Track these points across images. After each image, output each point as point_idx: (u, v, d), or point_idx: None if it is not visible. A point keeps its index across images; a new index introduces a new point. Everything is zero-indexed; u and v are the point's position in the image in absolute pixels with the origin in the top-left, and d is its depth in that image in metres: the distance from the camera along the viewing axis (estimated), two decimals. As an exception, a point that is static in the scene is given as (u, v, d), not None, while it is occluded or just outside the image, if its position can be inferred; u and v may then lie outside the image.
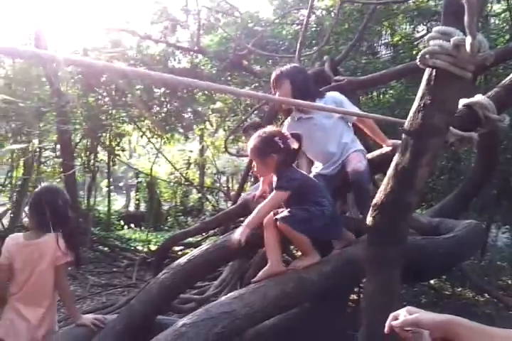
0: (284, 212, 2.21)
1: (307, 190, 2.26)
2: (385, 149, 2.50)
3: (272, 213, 2.26)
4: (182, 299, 3.96)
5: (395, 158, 1.75)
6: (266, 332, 2.22)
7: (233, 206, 3.00)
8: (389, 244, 1.74)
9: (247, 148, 2.36)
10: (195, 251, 2.47)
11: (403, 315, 1.16)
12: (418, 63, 1.75)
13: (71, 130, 8.57)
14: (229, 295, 2.04)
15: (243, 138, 10.13)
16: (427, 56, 1.69)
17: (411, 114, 1.74)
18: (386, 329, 1.19)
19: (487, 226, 5.38)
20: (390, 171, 1.75)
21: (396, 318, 1.17)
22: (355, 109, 2.49)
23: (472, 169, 3.42)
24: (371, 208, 1.78)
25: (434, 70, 1.70)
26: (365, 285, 1.82)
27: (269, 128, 2.33)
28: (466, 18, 1.31)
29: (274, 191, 2.22)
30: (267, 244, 2.20)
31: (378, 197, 1.76)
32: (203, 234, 7.76)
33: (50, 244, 2.28)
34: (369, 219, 1.79)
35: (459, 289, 5.53)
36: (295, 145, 2.28)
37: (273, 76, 2.69)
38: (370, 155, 2.58)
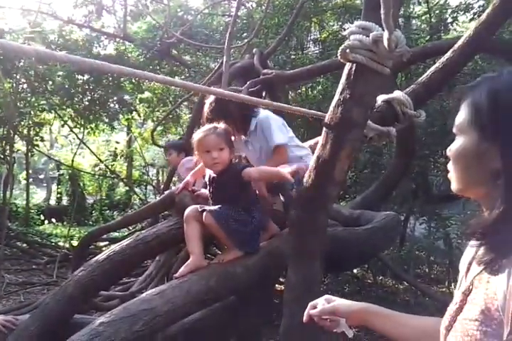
0: (214, 206, 2.18)
1: (246, 193, 2.26)
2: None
3: (194, 206, 2.21)
4: (105, 296, 3.82)
5: (317, 151, 1.77)
6: (190, 327, 2.18)
7: (157, 199, 2.92)
8: (309, 235, 1.77)
9: (203, 140, 2.24)
10: (115, 247, 2.37)
11: (321, 303, 1.18)
12: (339, 57, 1.77)
13: (-15, 117, 7.98)
14: (150, 291, 1.97)
15: (172, 129, 10.00)
16: (348, 50, 1.72)
17: (331, 108, 1.77)
18: (305, 318, 1.20)
19: (406, 218, 5.69)
20: (312, 164, 1.78)
21: (314, 307, 1.19)
22: (279, 135, 2.56)
23: (391, 163, 3.57)
24: (294, 200, 1.80)
25: (354, 65, 1.73)
26: (286, 277, 1.84)
27: (218, 124, 2.32)
28: (382, 13, 1.34)
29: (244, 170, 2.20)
30: (187, 238, 2.16)
31: (300, 189, 1.78)
32: (130, 228, 7.54)
33: None
34: (291, 211, 1.81)
35: (380, 278, 5.81)
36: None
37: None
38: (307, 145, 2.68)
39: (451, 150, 0.97)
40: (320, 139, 1.78)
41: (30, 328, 2.11)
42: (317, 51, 7.68)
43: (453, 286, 5.35)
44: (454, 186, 0.97)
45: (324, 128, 1.77)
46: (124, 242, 2.41)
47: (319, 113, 1.92)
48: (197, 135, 2.26)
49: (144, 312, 1.82)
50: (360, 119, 1.72)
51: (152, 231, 2.43)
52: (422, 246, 5.47)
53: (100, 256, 2.33)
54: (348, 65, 1.76)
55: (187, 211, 2.19)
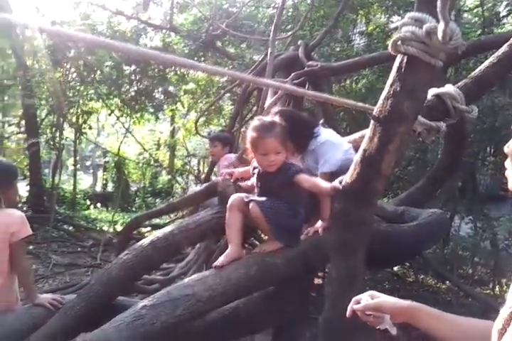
0: (262, 198, 2.19)
1: (295, 190, 2.23)
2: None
3: (239, 195, 2.23)
4: (147, 280, 3.93)
5: (363, 144, 1.75)
6: (229, 315, 2.21)
7: (200, 188, 2.96)
8: (352, 229, 1.75)
9: (261, 143, 2.16)
10: (159, 233, 2.43)
11: (365, 299, 1.17)
12: (390, 49, 1.73)
13: (36, 105, 8.32)
14: (191, 277, 2.01)
15: (214, 120, 10.09)
16: (399, 42, 1.68)
17: (380, 100, 1.73)
18: (348, 313, 1.19)
19: (451, 217, 5.52)
20: (358, 157, 1.75)
21: (358, 302, 1.18)
22: (329, 164, 2.50)
23: (439, 160, 3.47)
24: (339, 193, 1.78)
25: (406, 57, 1.69)
26: (329, 270, 1.83)
27: (273, 119, 2.28)
28: (438, 4, 1.29)
29: (299, 175, 2.17)
30: (228, 227, 2.17)
31: (345, 182, 1.76)
32: (172, 215, 7.71)
33: (1, 220, 2.20)
34: (335, 205, 1.79)
35: (422, 277, 5.69)
36: None
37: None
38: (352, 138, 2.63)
39: (510, 146, 0.93)
40: (367, 132, 1.75)
41: (76, 307, 2.20)
42: (363, 44, 7.52)
43: (497, 289, 5.18)
44: None
45: (372, 121, 1.74)
46: (167, 229, 2.46)
47: (367, 106, 1.89)
48: (253, 132, 2.17)
49: (185, 297, 1.87)
50: (411, 113, 1.68)
51: (195, 219, 2.47)
52: (467, 246, 5.29)
53: (144, 241, 2.39)
54: (399, 57, 1.71)
55: (231, 199, 2.20)
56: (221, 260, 2.09)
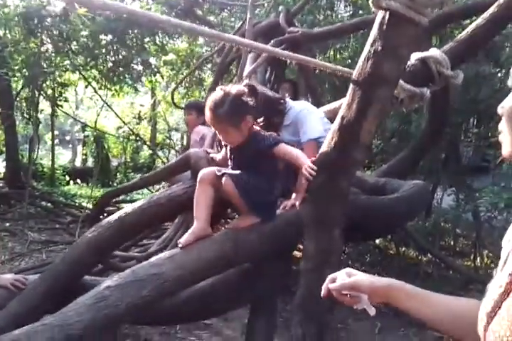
0: (235, 171, 2.04)
1: (271, 162, 2.08)
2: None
3: (211, 168, 2.08)
4: (122, 257, 3.81)
5: (341, 111, 1.61)
6: (202, 292, 2.10)
7: (174, 160, 2.80)
8: (329, 202, 1.63)
9: (208, 120, 2.05)
10: (128, 208, 2.28)
11: (341, 277, 1.06)
12: (371, 4, 1.57)
13: (10, 77, 7.96)
14: (160, 255, 1.89)
15: (195, 93, 9.81)
16: (381, -3, 1.52)
17: (360, 61, 1.59)
18: (323, 293, 1.08)
19: (433, 188, 5.47)
20: (335, 125, 1.61)
21: (334, 281, 1.07)
22: (312, 130, 2.35)
23: (422, 130, 3.35)
24: (315, 164, 1.65)
25: (388, 13, 1.53)
26: (304, 245, 1.72)
27: (230, 88, 2.04)
28: None
29: (278, 146, 2.00)
30: (197, 202, 2.02)
31: (322, 152, 1.63)
32: (153, 191, 7.55)
33: None
34: (311, 175, 1.66)
35: (403, 249, 5.67)
36: (253, 98, 2.06)
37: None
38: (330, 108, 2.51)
39: (504, 107, 0.80)
40: (346, 98, 1.61)
41: (38, 288, 2.07)
42: (347, 13, 7.27)
43: (478, 260, 5.19)
44: (507, 149, 0.80)
45: (351, 85, 1.59)
46: (137, 204, 2.32)
47: (347, 69, 1.74)
48: (206, 110, 2.03)
49: (152, 277, 1.75)
50: (392, 75, 1.54)
51: (166, 193, 2.33)
52: (449, 218, 5.26)
53: (111, 218, 2.25)
54: (380, 13, 1.56)
55: (202, 173, 2.05)
56: (185, 238, 1.94)
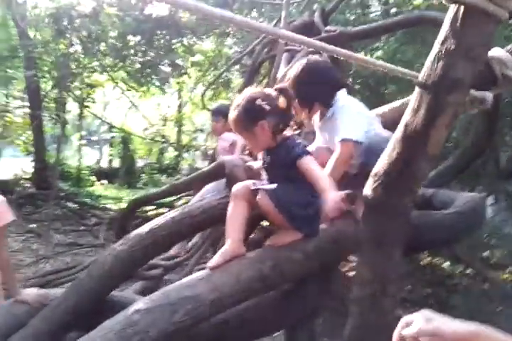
0: (271, 185, 1.85)
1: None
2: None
3: (245, 183, 1.90)
4: (148, 264, 3.67)
5: (405, 118, 1.40)
6: (239, 315, 1.92)
7: (207, 167, 2.64)
8: (390, 220, 1.43)
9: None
10: (159, 220, 2.12)
11: (418, 322, 0.89)
12: (442, -3, 1.37)
13: (39, 77, 7.99)
14: (193, 276, 1.71)
15: (222, 94, 9.69)
16: (455, -12, 1.32)
17: (428, 63, 1.38)
18: (395, 339, 0.92)
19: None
20: (398, 133, 1.41)
21: (408, 325, 0.90)
22: (348, 129, 2.12)
23: (472, 136, 3.09)
24: (371, 178, 1.45)
25: (462, 7, 1.32)
26: (357, 269, 1.52)
27: (246, 91, 1.92)
28: None
29: (302, 159, 1.83)
30: (229, 219, 1.83)
31: (381, 164, 1.42)
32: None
33: None
34: (368, 191, 1.46)
35: (436, 259, 5.39)
36: (283, 102, 1.89)
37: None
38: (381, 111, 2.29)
39: None
40: (410, 103, 1.41)
41: (62, 306, 1.93)
42: (380, 11, 7.01)
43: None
44: None
45: (417, 89, 1.39)
46: (169, 215, 2.15)
47: (408, 71, 1.53)
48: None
49: (186, 300, 1.57)
50: (467, 78, 1.33)
51: (199, 204, 2.16)
52: (485, 229, 4.94)
53: (142, 230, 2.09)
54: (453, 8, 1.35)
55: (236, 187, 1.87)
56: (216, 259, 1.75)
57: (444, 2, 1.39)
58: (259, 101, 1.85)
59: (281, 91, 1.92)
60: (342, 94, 2.27)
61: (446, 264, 5.29)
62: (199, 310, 1.57)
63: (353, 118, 2.15)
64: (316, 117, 2.36)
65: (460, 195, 2.28)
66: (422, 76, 1.38)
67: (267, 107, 1.85)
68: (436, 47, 1.37)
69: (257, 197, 1.79)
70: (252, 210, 1.87)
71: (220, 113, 4.23)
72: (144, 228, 2.11)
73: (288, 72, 2.48)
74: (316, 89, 2.24)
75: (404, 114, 1.40)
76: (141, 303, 1.58)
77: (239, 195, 1.85)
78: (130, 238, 2.06)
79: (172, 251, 3.81)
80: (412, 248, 2.00)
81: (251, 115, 1.86)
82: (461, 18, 1.33)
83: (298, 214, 1.84)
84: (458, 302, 3.63)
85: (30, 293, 2.08)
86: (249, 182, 1.90)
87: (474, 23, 1.32)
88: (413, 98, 1.40)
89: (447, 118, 1.33)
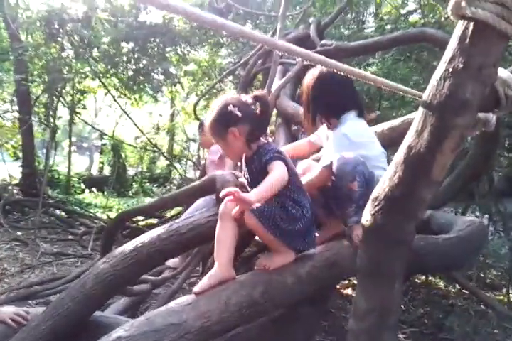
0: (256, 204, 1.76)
1: (290, 178, 1.79)
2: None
3: (232, 202, 1.82)
4: (134, 279, 3.54)
5: (407, 139, 1.33)
6: None
7: (198, 181, 2.54)
8: (390, 248, 1.34)
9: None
10: (144, 237, 2.02)
11: None
12: (449, 13, 1.30)
13: (29, 81, 7.87)
14: (180, 300, 1.60)
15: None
16: (464, 3, 1.25)
17: (434, 82, 1.31)
18: None
19: (462, 215, 5.11)
20: (399, 156, 1.33)
21: None
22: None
23: (469, 156, 3.04)
24: (370, 203, 1.37)
25: (472, 24, 1.26)
26: (354, 301, 1.43)
27: (222, 97, 1.89)
28: None
29: (269, 165, 1.77)
30: (218, 241, 1.75)
31: (381, 188, 1.34)
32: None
33: None
34: (367, 216, 1.38)
35: (430, 278, 5.30)
36: (259, 109, 1.85)
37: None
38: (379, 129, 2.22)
39: None
40: (414, 123, 1.33)
41: (41, 327, 1.81)
42: (374, 27, 7.01)
43: (512, 295, 4.79)
44: None
45: (421, 109, 1.32)
46: (155, 232, 2.05)
47: (411, 90, 1.46)
48: None
49: (171, 328, 1.47)
50: (476, 99, 1.26)
51: (188, 222, 2.06)
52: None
53: (126, 247, 1.99)
54: (461, 24, 1.29)
55: (223, 206, 1.79)
56: (204, 283, 1.66)
57: (452, 18, 1.33)
58: (230, 107, 1.80)
59: (258, 98, 1.87)
60: (350, 118, 2.20)
61: (442, 283, 5.21)
62: (185, 338, 1.47)
63: (332, 145, 2.15)
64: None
65: (459, 219, 2.21)
66: (426, 96, 1.31)
67: (239, 114, 1.80)
68: (442, 65, 1.30)
69: (244, 216, 1.71)
70: (240, 229, 1.78)
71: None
72: (128, 245, 2.01)
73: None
74: (324, 101, 2.20)
75: (407, 136, 1.33)
76: (123, 330, 1.47)
77: (226, 215, 1.77)
78: (113, 256, 1.95)
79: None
80: (410, 273, 1.92)
81: (222, 121, 1.83)
82: (470, 35, 1.26)
83: (286, 229, 1.75)
84: (454, 324, 3.53)
85: (8, 311, 1.96)
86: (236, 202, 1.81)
87: (484, 41, 1.26)
88: (416, 119, 1.32)
89: (454, 141, 1.26)
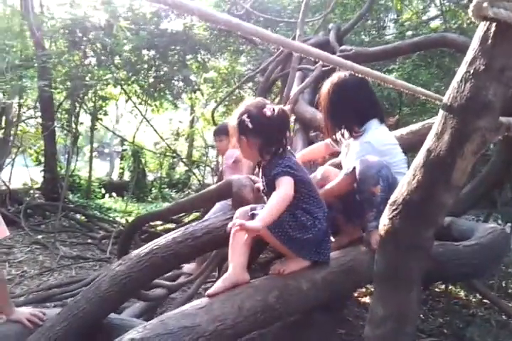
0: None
1: (301, 190, 1.78)
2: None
3: (246, 208, 1.80)
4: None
5: (427, 142, 1.30)
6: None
7: (215, 185, 2.54)
8: (408, 254, 1.31)
9: None
10: (160, 240, 2.02)
11: None
12: (470, 14, 1.28)
13: (52, 88, 8.04)
14: (194, 303, 1.59)
15: (234, 111, 9.66)
16: (486, 4, 1.22)
17: (454, 84, 1.28)
18: None
19: (484, 222, 4.99)
20: (419, 159, 1.30)
21: None
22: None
23: (491, 162, 2.97)
24: (388, 207, 1.34)
25: (494, 25, 1.23)
26: (370, 307, 1.40)
27: (249, 100, 1.88)
28: None
29: (276, 180, 1.74)
30: (232, 244, 1.74)
31: (400, 192, 1.31)
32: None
33: None
34: (385, 221, 1.35)
35: (450, 287, 5.18)
36: (276, 125, 1.81)
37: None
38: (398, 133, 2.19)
39: None
40: (434, 126, 1.31)
41: (56, 328, 1.82)
42: (395, 33, 6.97)
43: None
44: None
45: (441, 112, 1.29)
46: (171, 235, 2.05)
47: (430, 93, 1.44)
48: None
49: (184, 331, 1.46)
50: (498, 101, 1.23)
51: (203, 225, 2.06)
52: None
53: (142, 250, 1.99)
54: (483, 25, 1.26)
55: (237, 212, 1.80)
56: (217, 286, 1.64)
57: (473, 19, 1.31)
58: (244, 117, 1.79)
59: (279, 114, 1.81)
60: (374, 125, 2.18)
61: (463, 292, 5.09)
62: (198, 342, 1.45)
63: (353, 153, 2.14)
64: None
65: (481, 226, 2.16)
66: (446, 98, 1.28)
67: (250, 125, 1.78)
68: (463, 67, 1.28)
69: None
70: (254, 237, 1.76)
71: (222, 132, 4.12)
72: (144, 248, 2.01)
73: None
74: (346, 109, 2.18)
75: (427, 139, 1.30)
76: (136, 332, 1.46)
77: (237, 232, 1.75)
78: (129, 258, 1.96)
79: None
80: (430, 281, 1.87)
81: (237, 127, 1.83)
82: (492, 36, 1.24)
83: (294, 236, 1.73)
84: (474, 334, 3.43)
85: (24, 312, 1.98)
86: (248, 208, 1.80)
87: (507, 42, 1.23)
88: (437, 121, 1.30)
89: (475, 144, 1.23)
